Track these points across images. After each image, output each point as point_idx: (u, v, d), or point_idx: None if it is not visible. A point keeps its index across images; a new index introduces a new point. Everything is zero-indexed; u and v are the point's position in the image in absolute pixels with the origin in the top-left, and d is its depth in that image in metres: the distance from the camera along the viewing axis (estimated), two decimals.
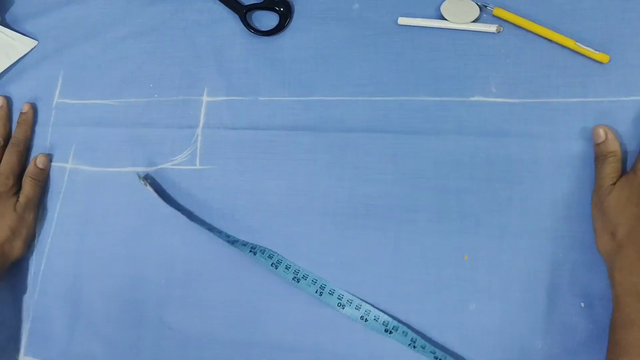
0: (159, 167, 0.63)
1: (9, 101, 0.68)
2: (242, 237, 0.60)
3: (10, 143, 0.65)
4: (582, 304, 0.53)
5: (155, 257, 0.61)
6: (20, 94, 0.68)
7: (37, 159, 0.64)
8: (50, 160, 0.65)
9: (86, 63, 0.67)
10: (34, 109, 0.67)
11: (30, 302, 0.63)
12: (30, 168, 0.64)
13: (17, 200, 0.63)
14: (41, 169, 0.64)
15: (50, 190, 0.65)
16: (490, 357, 0.53)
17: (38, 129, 0.67)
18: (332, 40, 0.62)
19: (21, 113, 0.67)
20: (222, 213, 0.61)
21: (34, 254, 0.64)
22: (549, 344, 0.53)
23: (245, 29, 0.64)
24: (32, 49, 0.69)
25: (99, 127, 0.65)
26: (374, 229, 0.57)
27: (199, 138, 0.63)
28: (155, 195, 0.60)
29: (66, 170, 0.65)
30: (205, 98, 0.64)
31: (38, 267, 0.64)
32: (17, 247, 0.63)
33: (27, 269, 0.64)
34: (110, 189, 0.64)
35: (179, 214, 0.60)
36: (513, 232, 0.55)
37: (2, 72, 0.68)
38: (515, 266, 0.54)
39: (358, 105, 0.60)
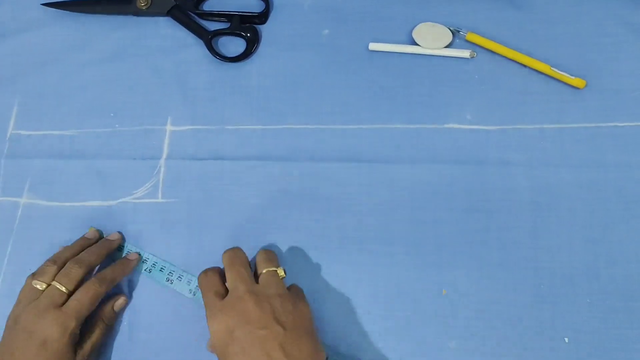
0: (120, 200, 0.60)
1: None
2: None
3: (94, 277, 0.54)
4: (566, 339, 0.51)
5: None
6: None
7: (115, 302, 0.55)
8: (127, 302, 0.57)
9: (43, 91, 0.64)
10: (140, 258, 0.58)
11: None
12: (106, 311, 0.55)
13: (81, 347, 0.52)
14: (116, 313, 0.56)
15: (3, 226, 0.61)
16: None
17: None
18: (301, 67, 0.60)
19: (124, 257, 0.58)
20: (188, 248, 0.57)
21: None
22: None
23: (211, 55, 0.62)
24: None
25: (57, 159, 0.62)
26: (348, 263, 0.54)
27: (162, 169, 0.60)
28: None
29: (19, 205, 0.61)
30: (169, 127, 0.61)
31: None
32: None
33: None
34: (67, 224, 0.60)
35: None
36: (492, 264, 0.53)
37: None
38: (495, 300, 0.52)
39: (329, 133, 0.58)
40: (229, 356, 0.45)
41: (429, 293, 0.53)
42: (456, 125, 0.57)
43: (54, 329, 0.49)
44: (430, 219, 0.55)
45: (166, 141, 0.61)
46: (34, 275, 0.53)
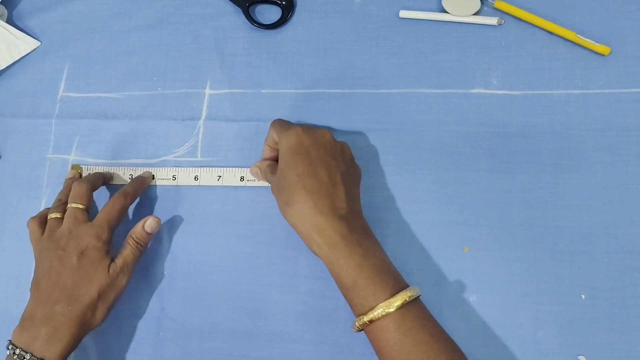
0: (162, 159, 0.63)
1: None
2: (244, 226, 0.60)
3: (117, 192, 0.58)
4: (583, 296, 0.53)
5: (156, 249, 0.61)
6: (25, 87, 0.69)
7: (146, 222, 0.57)
8: (159, 225, 0.59)
9: (91, 57, 0.68)
10: (152, 177, 0.63)
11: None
12: (137, 229, 0.57)
13: (112, 262, 0.55)
14: (148, 234, 0.58)
15: (53, 182, 0.65)
16: (491, 347, 0.53)
17: (42, 121, 0.67)
18: (334, 34, 0.63)
19: (138, 175, 0.63)
20: (223, 204, 0.61)
21: None
22: (549, 334, 0.53)
23: (248, 22, 0.64)
24: (35, 49, 0.69)
25: (103, 119, 0.66)
26: (374, 220, 0.57)
27: (201, 130, 0.63)
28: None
29: (69, 162, 0.65)
30: (207, 91, 0.64)
31: None
32: (99, 315, 0.54)
33: (29, 260, 0.64)
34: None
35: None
36: (513, 223, 0.55)
37: (6, 67, 0.69)
38: (515, 257, 0.55)
39: (360, 97, 0.61)
40: (294, 162, 0.50)
41: (451, 250, 0.56)
42: (482, 90, 0.58)
43: (90, 238, 0.54)
44: (454, 180, 0.57)
45: (205, 104, 0.64)
46: (50, 213, 0.58)
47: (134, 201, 0.59)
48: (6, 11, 0.71)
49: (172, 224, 0.61)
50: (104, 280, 0.54)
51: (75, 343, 0.53)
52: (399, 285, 0.46)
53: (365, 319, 0.45)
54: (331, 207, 0.48)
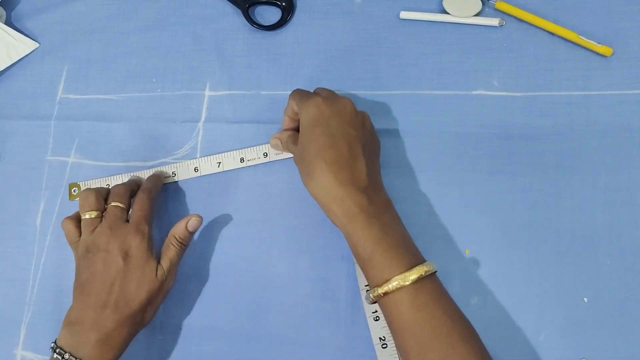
0: (161, 160, 0.63)
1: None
2: (245, 229, 0.60)
3: (139, 191, 0.58)
4: (585, 299, 0.52)
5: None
6: (24, 88, 0.68)
7: (189, 221, 0.56)
8: (201, 223, 0.57)
9: (90, 58, 0.68)
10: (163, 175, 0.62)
11: (30, 296, 0.63)
12: (179, 229, 0.55)
13: (159, 264, 0.54)
14: (190, 233, 0.56)
15: (52, 184, 0.65)
16: (493, 350, 0.53)
17: (41, 122, 0.67)
18: (334, 35, 0.62)
19: (152, 174, 0.62)
20: (223, 205, 0.61)
21: (35, 247, 0.64)
22: (552, 337, 0.52)
23: (248, 23, 0.64)
24: (33, 50, 0.69)
25: (102, 121, 0.65)
26: None
27: (200, 132, 0.63)
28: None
29: (68, 164, 0.65)
30: (207, 92, 0.64)
31: (38, 261, 0.63)
32: (148, 317, 0.54)
33: (27, 263, 0.64)
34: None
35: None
36: (515, 225, 0.55)
37: (5, 68, 0.69)
38: (517, 259, 0.54)
39: (360, 99, 0.60)
40: (315, 134, 0.49)
41: (452, 252, 0.55)
42: (484, 92, 0.58)
43: (132, 237, 0.53)
44: (455, 181, 0.57)
45: (205, 105, 0.64)
46: (83, 213, 0.56)
47: (157, 196, 0.59)
48: (4, 12, 0.70)
49: (170, 227, 0.61)
50: (153, 284, 0.53)
51: (125, 346, 0.53)
52: (416, 260, 0.46)
53: (380, 291, 0.45)
54: (351, 179, 0.47)
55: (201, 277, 0.60)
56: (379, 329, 0.53)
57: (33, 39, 0.69)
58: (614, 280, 0.52)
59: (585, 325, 0.52)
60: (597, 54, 0.56)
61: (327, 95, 0.52)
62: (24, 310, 0.63)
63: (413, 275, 0.44)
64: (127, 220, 0.55)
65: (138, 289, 0.52)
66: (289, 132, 0.56)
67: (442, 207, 0.57)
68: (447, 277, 0.54)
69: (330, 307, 0.57)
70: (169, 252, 0.55)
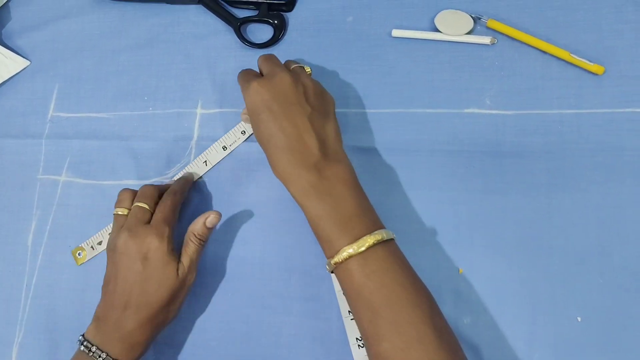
0: (153, 180, 0.63)
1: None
2: (236, 248, 0.60)
3: (165, 193, 0.58)
4: (579, 319, 0.52)
5: None
6: (15, 106, 0.68)
7: (207, 218, 0.55)
8: (219, 219, 0.57)
9: (81, 76, 0.68)
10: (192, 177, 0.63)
11: (22, 315, 0.63)
12: (197, 226, 0.55)
13: (179, 262, 0.54)
14: (209, 229, 0.56)
15: (43, 203, 0.65)
16: None
17: (32, 141, 0.67)
18: (325, 53, 0.62)
19: (182, 176, 0.62)
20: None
21: (27, 266, 0.64)
22: (545, 358, 0.52)
23: (240, 41, 0.64)
24: (24, 68, 0.69)
25: (94, 140, 0.65)
26: None
27: (193, 150, 0.63)
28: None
29: (59, 183, 0.65)
30: (199, 110, 0.64)
31: (30, 280, 0.63)
32: (172, 314, 0.55)
33: (19, 282, 0.63)
34: (104, 202, 0.63)
35: None
36: (507, 243, 0.55)
37: None
38: (509, 278, 0.54)
39: (351, 117, 0.60)
40: (261, 121, 0.50)
41: (444, 271, 0.55)
42: (476, 110, 0.58)
43: (151, 239, 0.53)
44: (447, 199, 0.57)
45: (197, 123, 0.63)
46: (116, 208, 0.58)
47: (182, 199, 0.59)
48: None
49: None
50: (174, 283, 0.53)
51: (149, 344, 0.54)
52: (367, 229, 0.47)
53: (332, 262, 0.46)
54: (301, 159, 0.49)
55: (193, 298, 0.59)
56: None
57: (24, 57, 0.69)
58: (607, 299, 0.52)
59: (578, 344, 0.52)
60: (589, 72, 0.56)
61: (266, 74, 0.53)
62: (15, 330, 0.63)
63: (361, 244, 0.45)
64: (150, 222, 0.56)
65: (158, 290, 0.52)
66: None
67: (434, 226, 0.56)
68: (439, 295, 0.54)
69: (323, 326, 0.56)
70: (189, 249, 0.55)
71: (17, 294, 0.63)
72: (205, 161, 0.62)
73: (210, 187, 0.62)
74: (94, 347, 0.51)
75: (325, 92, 0.54)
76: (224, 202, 0.61)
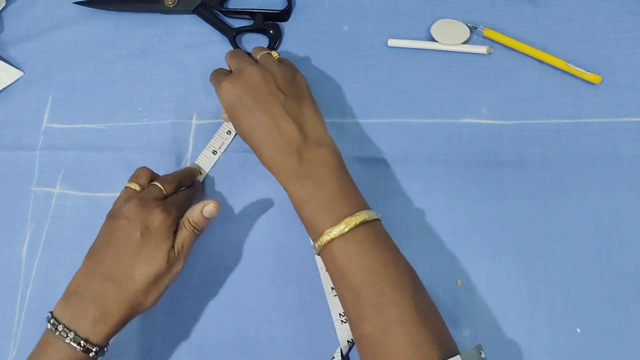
0: None
1: None
2: (231, 259, 0.59)
3: (184, 188, 0.59)
4: (579, 330, 0.52)
5: None
6: (8, 118, 0.68)
7: (205, 207, 0.53)
8: (218, 211, 0.54)
9: (75, 87, 0.67)
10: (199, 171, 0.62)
11: (16, 329, 0.62)
12: (194, 213, 0.53)
13: (172, 246, 0.52)
14: (206, 219, 0.53)
15: (37, 215, 0.64)
16: None
17: (25, 153, 0.66)
18: (321, 63, 0.62)
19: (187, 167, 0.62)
20: (210, 232, 0.60)
21: (21, 279, 0.63)
22: None
23: None
24: (17, 79, 0.68)
25: (88, 151, 0.65)
26: None
27: (188, 162, 0.62)
28: None
29: (53, 195, 0.64)
30: (194, 121, 0.63)
31: (24, 293, 0.63)
32: (150, 300, 0.51)
33: (13, 295, 0.63)
34: (98, 213, 0.62)
35: None
36: (505, 253, 0.54)
37: None
38: (508, 289, 0.54)
39: (347, 127, 0.60)
40: (239, 118, 0.52)
41: (442, 281, 0.55)
42: (473, 120, 0.58)
43: (158, 214, 0.51)
44: (445, 209, 0.56)
45: (192, 134, 0.63)
46: (129, 181, 0.56)
47: (194, 201, 0.58)
48: None
49: None
50: (162, 265, 0.50)
51: (121, 326, 0.50)
52: (350, 211, 0.47)
53: (316, 244, 0.47)
54: (281, 146, 0.50)
55: (188, 310, 0.59)
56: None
57: (17, 68, 0.69)
58: (606, 309, 0.52)
59: (577, 354, 0.52)
60: (586, 81, 0.56)
61: (234, 70, 0.54)
62: (10, 344, 0.62)
63: (343, 225, 0.46)
64: None
65: (146, 267, 0.50)
66: None
67: (431, 235, 0.56)
68: (437, 305, 0.54)
69: (319, 338, 0.56)
70: (181, 234, 0.53)
71: (12, 307, 0.63)
72: (199, 169, 0.61)
73: (208, 189, 0.62)
74: (61, 326, 0.48)
75: (296, 75, 0.55)
76: (223, 202, 0.61)
